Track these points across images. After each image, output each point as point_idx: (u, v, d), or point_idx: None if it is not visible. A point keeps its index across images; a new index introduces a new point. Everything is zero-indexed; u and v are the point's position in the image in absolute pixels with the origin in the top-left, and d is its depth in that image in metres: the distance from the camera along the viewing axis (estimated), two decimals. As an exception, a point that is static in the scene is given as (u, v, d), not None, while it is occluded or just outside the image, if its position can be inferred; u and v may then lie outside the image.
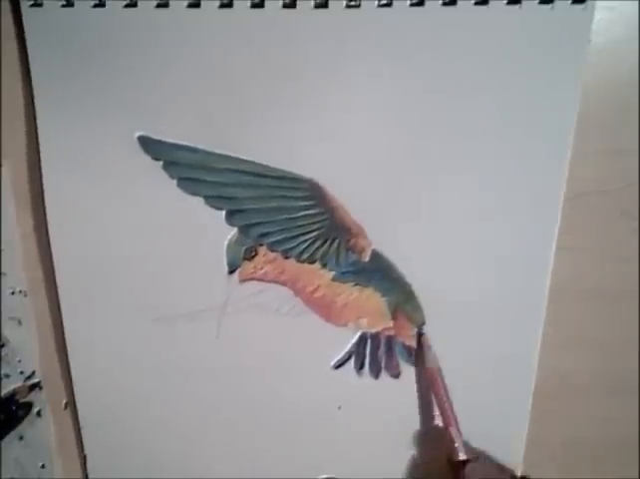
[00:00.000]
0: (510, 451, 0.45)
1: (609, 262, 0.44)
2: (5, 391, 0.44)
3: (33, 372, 0.45)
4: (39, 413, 0.45)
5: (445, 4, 0.37)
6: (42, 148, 0.40)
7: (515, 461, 0.45)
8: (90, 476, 0.46)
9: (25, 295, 0.43)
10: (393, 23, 0.37)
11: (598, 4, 0.38)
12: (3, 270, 0.42)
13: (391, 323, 0.43)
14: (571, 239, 0.43)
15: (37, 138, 0.40)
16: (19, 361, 0.44)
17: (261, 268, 0.41)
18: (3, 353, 0.44)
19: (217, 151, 0.39)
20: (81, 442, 0.46)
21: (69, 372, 0.45)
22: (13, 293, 0.43)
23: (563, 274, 0.43)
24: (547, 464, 0.47)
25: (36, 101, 0.39)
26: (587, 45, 0.38)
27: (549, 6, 0.37)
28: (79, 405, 0.45)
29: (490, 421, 0.44)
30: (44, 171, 0.40)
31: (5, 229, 0.41)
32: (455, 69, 0.38)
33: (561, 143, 0.40)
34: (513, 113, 0.39)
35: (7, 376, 0.44)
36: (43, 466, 0.47)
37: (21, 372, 0.45)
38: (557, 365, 0.45)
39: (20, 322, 0.43)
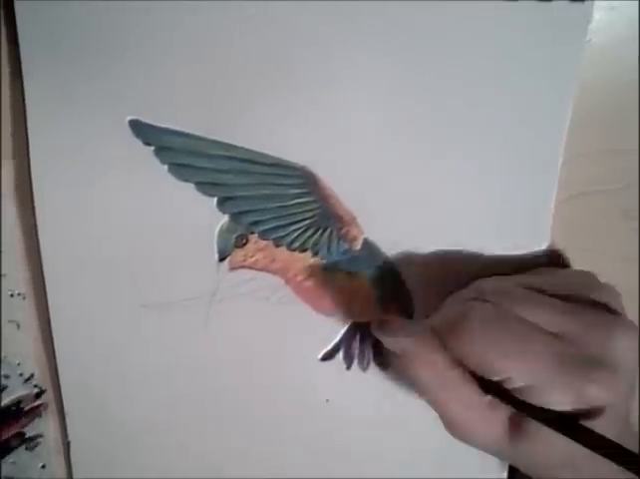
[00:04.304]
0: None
1: (609, 262, 0.44)
2: (10, 399, 0.44)
3: (32, 375, 0.45)
4: (39, 414, 0.45)
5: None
6: (31, 138, 0.39)
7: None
8: (73, 463, 0.46)
9: (24, 298, 0.43)
10: (389, 15, 0.37)
11: (599, 4, 0.38)
12: (2, 272, 0.42)
13: (381, 314, 0.43)
14: (571, 239, 0.43)
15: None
16: (18, 364, 0.44)
17: (252, 257, 0.41)
18: (2, 356, 0.44)
19: (210, 136, 0.39)
20: (65, 428, 0.45)
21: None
22: (12, 296, 0.43)
23: (563, 274, 0.43)
24: None
25: (26, 93, 0.39)
26: (585, 43, 0.38)
27: (548, 3, 0.37)
28: (63, 392, 0.44)
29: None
30: (32, 158, 0.40)
31: (5, 229, 0.41)
32: (449, 64, 0.38)
33: (555, 142, 0.40)
34: (507, 109, 0.39)
35: (7, 377, 0.44)
36: (43, 466, 0.46)
37: (20, 374, 0.44)
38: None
39: (19, 325, 0.43)
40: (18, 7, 0.37)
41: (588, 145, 0.41)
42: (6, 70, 0.39)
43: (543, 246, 0.41)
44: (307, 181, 0.40)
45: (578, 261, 0.44)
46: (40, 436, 0.46)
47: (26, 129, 0.39)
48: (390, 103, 0.39)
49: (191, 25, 0.37)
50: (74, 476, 0.46)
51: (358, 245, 0.41)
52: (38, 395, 0.45)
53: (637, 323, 0.44)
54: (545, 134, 0.40)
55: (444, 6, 0.37)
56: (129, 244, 0.41)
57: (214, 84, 0.38)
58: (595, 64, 0.40)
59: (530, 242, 0.42)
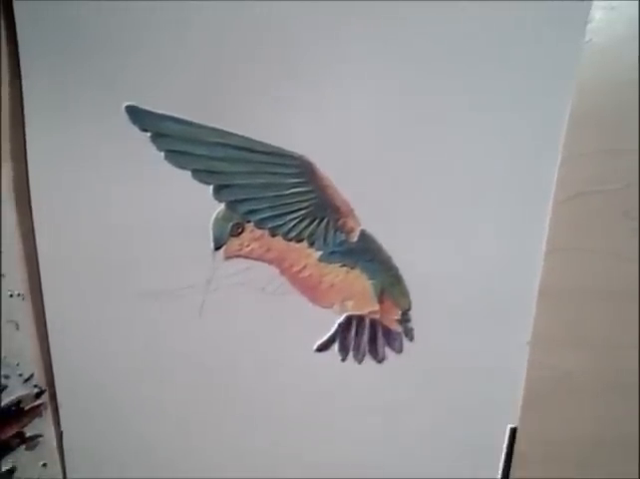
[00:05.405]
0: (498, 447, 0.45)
1: (609, 262, 0.44)
2: (10, 399, 0.44)
3: (32, 375, 0.44)
4: (39, 414, 0.45)
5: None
6: (28, 139, 0.40)
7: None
8: (66, 455, 0.46)
9: (23, 299, 0.43)
10: (390, 11, 0.37)
11: (598, 4, 0.38)
12: (2, 273, 0.42)
13: (377, 307, 0.43)
14: (571, 239, 0.43)
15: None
16: (17, 365, 0.44)
17: (247, 246, 0.41)
18: (2, 356, 0.44)
19: (208, 124, 0.39)
20: (57, 418, 0.45)
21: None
22: (11, 296, 0.43)
23: (563, 274, 0.43)
24: (546, 464, 0.47)
25: (24, 94, 0.39)
26: (583, 43, 0.38)
27: (546, 2, 0.37)
28: (57, 382, 0.44)
29: (477, 416, 0.43)
30: (29, 157, 0.40)
31: (4, 230, 0.41)
32: (447, 63, 0.38)
33: (553, 141, 0.40)
34: (505, 108, 0.39)
35: (7, 377, 0.44)
36: (43, 466, 0.46)
37: (20, 375, 0.44)
38: (557, 365, 0.45)
39: (18, 326, 0.43)
40: (17, 7, 0.37)
41: (588, 145, 0.41)
42: (6, 71, 0.39)
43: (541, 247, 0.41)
44: (305, 170, 0.39)
45: (578, 261, 0.43)
46: (40, 436, 0.45)
47: (24, 131, 0.39)
48: (391, 97, 0.39)
49: (191, 13, 0.37)
50: (67, 467, 0.46)
51: (355, 237, 0.41)
52: (38, 395, 0.45)
53: (637, 323, 0.44)
54: (543, 133, 0.40)
55: (443, 6, 0.37)
56: (125, 234, 0.41)
57: (214, 72, 0.38)
58: (595, 64, 0.40)
59: (527, 242, 0.42)
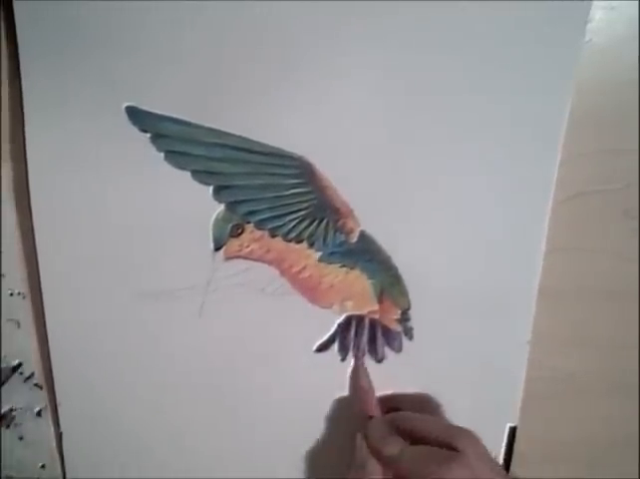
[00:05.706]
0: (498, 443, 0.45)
1: (609, 262, 0.44)
2: None
3: (32, 374, 0.44)
4: (39, 413, 0.45)
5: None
6: (28, 139, 0.39)
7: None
8: (65, 455, 0.46)
9: (24, 297, 0.43)
10: (388, 13, 0.37)
11: (598, 4, 0.38)
12: (2, 272, 0.42)
13: (376, 307, 0.43)
14: (571, 239, 0.43)
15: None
16: (18, 363, 0.44)
17: (247, 246, 0.41)
18: (2, 355, 0.44)
19: (207, 124, 0.39)
20: (57, 419, 0.45)
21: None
22: (12, 295, 0.43)
23: (563, 274, 0.43)
24: (546, 464, 0.47)
25: (24, 94, 0.39)
26: (582, 43, 0.38)
27: (546, 2, 0.37)
28: (56, 382, 0.44)
29: (477, 415, 0.43)
30: (29, 157, 0.40)
31: (4, 230, 0.41)
32: (447, 63, 0.38)
33: (552, 141, 0.40)
34: (504, 108, 0.39)
35: (7, 378, 0.44)
36: (43, 466, 0.46)
37: (20, 373, 0.44)
38: (557, 365, 0.46)
39: (19, 324, 0.43)
40: (17, 7, 0.37)
41: (587, 145, 0.41)
42: (5, 71, 0.39)
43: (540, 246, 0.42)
44: (304, 171, 0.39)
45: (578, 261, 0.43)
46: (13, 410, 0.45)
47: (24, 131, 0.39)
48: (390, 97, 0.39)
49: (191, 13, 0.37)
50: (66, 467, 0.46)
51: (354, 238, 0.41)
52: (14, 370, 0.44)
53: (637, 323, 0.44)
54: (543, 133, 0.40)
55: (443, 6, 0.37)
56: (124, 234, 0.41)
57: (213, 72, 0.38)
58: (595, 64, 0.40)
59: (527, 242, 0.42)
